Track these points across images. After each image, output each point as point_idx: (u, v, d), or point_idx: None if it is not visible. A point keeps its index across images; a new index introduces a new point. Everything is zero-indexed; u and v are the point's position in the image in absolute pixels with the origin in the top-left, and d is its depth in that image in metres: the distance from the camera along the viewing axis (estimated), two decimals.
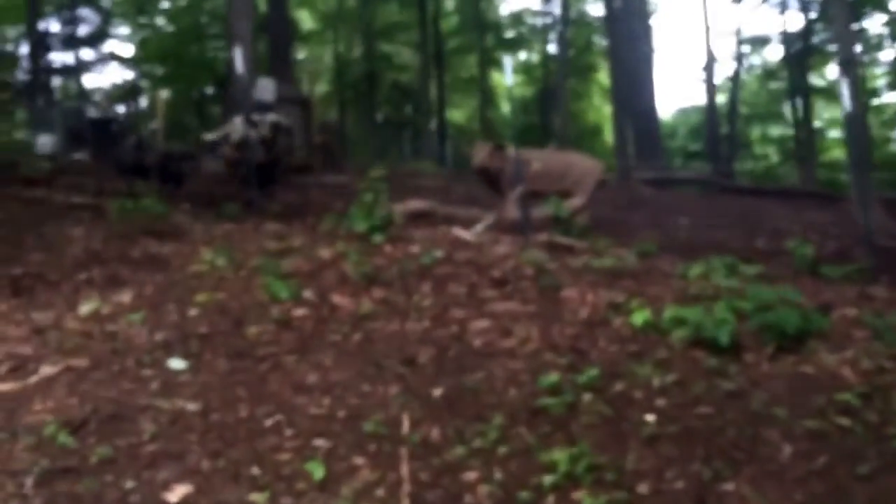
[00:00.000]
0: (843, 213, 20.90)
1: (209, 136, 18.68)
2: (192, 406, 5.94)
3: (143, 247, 9.87)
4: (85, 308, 7.85)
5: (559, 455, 5.05)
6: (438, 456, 5.26)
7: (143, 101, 45.77)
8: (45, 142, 25.77)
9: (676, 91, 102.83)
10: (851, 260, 11.70)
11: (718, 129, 46.24)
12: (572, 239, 11.44)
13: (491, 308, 7.79)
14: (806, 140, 43.68)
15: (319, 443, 5.45)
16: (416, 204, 13.73)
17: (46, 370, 6.51)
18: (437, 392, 6.14)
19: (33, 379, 6.38)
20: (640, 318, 7.15)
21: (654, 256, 10.71)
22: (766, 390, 5.83)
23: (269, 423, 5.73)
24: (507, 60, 16.12)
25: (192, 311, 7.72)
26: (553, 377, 6.14)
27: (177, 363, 6.68)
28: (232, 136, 16.80)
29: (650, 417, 5.56)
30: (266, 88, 20.97)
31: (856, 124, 20.70)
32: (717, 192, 29.38)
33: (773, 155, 55.01)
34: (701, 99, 53.59)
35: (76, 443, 5.38)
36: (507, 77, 15.84)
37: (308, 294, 8.09)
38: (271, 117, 17.27)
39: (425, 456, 5.27)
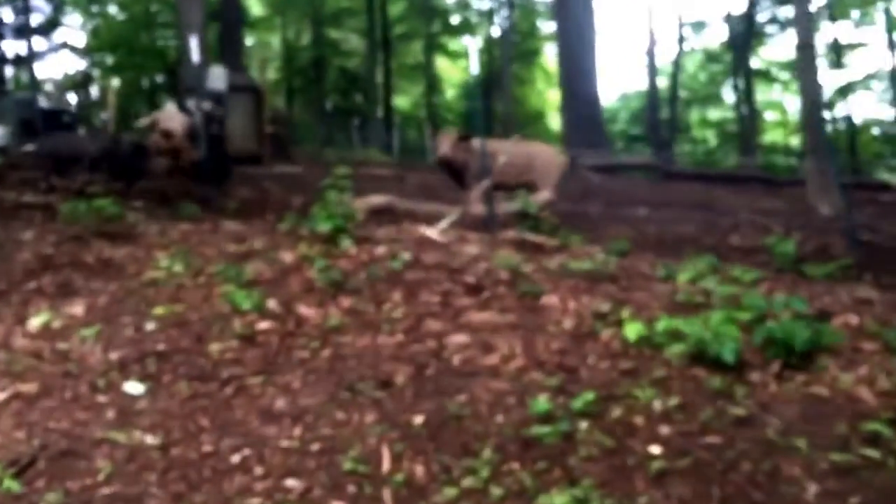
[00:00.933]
0: (794, 199, 20.58)
1: (140, 122, 18.12)
2: (151, 439, 5.42)
3: (97, 251, 9.23)
4: (35, 322, 7.29)
5: (560, 499, 4.59)
6: (424, 498, 4.78)
7: (95, 91, 45.29)
8: None
9: (619, 76, 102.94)
10: (830, 256, 11.29)
11: (659, 113, 46.51)
12: (541, 236, 10.90)
13: (468, 319, 7.30)
14: (748, 122, 43.90)
15: (292, 483, 4.95)
16: (376, 199, 13.08)
17: None
18: (418, 420, 5.65)
19: None
20: (633, 331, 6.67)
21: (628, 255, 10.21)
22: (778, 416, 5.38)
23: (235, 458, 5.22)
24: (471, 43, 15.72)
25: (150, 325, 7.17)
26: (543, 402, 5.65)
27: (134, 387, 6.15)
28: (162, 124, 16.22)
29: (656, 449, 5.09)
30: (218, 77, 20.39)
31: (814, 109, 20.46)
32: (663, 178, 29.18)
33: (712, 138, 55.47)
34: (643, 84, 53.83)
35: (23, 486, 4.85)
36: (470, 61, 15.24)
37: (272, 304, 7.56)
38: (205, 106, 16.69)
39: (410, 498, 4.79)
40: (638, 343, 6.58)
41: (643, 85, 52.58)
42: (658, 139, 44.20)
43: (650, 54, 47.47)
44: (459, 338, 6.91)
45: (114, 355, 6.62)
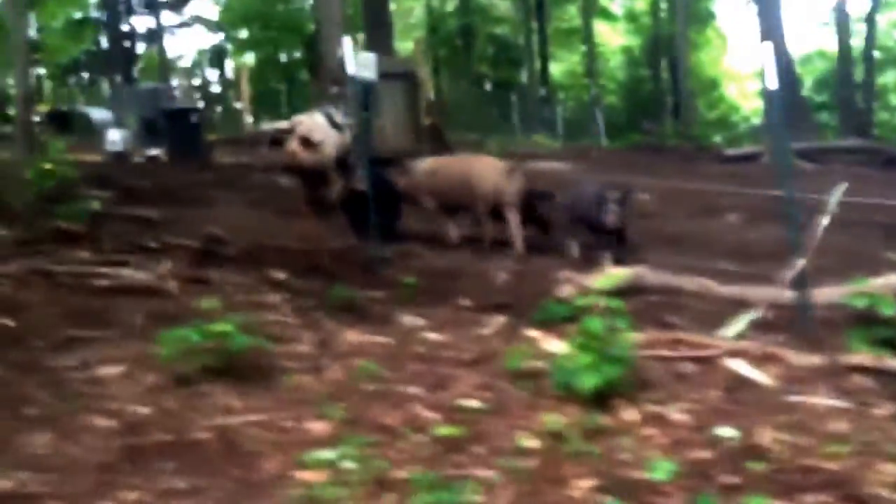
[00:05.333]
0: None
1: (275, 126, 14.94)
2: None
3: (215, 410, 5.68)
4: None
5: None
6: None
7: (228, 68, 44.83)
8: (115, 139, 22.89)
9: (796, 37, 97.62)
10: None
11: (852, 76, 42.33)
12: None
13: None
14: None
15: None
16: (619, 273, 9.00)
17: None
18: None
19: None
20: None
21: None
22: None
23: None
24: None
25: None
26: None
27: None
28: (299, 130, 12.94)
29: None
30: (366, 65, 17.07)
31: None
32: (885, 164, 25.02)
33: None
34: (825, 44, 50.01)
35: None
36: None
37: None
38: (321, 116, 13.39)
39: None
40: None
41: (825, 45, 48.79)
42: (849, 107, 40.06)
43: (840, 9, 43.10)
44: None
45: None
